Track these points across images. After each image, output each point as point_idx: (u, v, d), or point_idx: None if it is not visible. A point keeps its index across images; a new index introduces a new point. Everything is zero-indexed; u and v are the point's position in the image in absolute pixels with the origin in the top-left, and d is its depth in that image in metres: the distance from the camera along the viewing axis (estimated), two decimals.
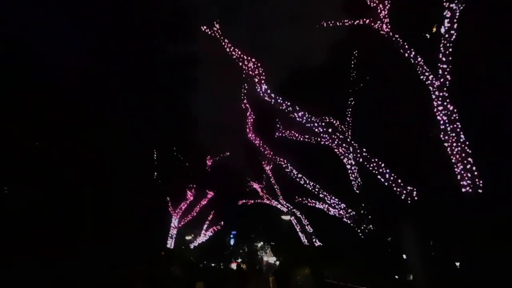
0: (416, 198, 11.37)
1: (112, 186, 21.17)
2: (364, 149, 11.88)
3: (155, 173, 26.56)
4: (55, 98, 17.20)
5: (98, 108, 18.83)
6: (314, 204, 21.91)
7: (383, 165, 11.72)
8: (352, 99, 16.66)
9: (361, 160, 11.86)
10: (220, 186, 34.44)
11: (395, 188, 11.58)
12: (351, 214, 18.17)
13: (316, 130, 12.39)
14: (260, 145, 19.27)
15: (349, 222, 19.15)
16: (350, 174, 19.01)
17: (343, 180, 19.66)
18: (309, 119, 12.39)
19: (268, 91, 12.83)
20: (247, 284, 19.42)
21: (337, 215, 19.86)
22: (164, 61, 19.13)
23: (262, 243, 70.90)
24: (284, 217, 28.17)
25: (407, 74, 13.43)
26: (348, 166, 19.23)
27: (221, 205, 35.48)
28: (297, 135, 21.34)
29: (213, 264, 47.53)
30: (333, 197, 18.91)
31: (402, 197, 11.53)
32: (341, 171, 19.74)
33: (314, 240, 30.41)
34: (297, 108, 12.57)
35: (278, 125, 21.85)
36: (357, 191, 18.38)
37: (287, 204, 31.36)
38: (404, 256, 16.89)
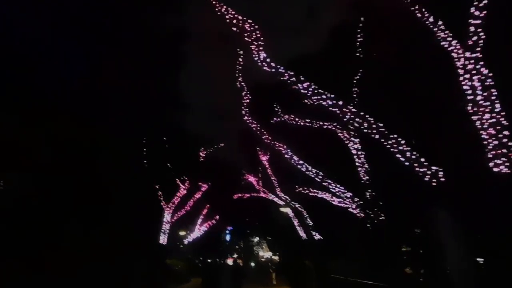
0: (442, 179, 9.71)
1: (98, 181, 19.36)
2: (381, 124, 10.20)
3: (145, 163, 24.69)
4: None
5: (77, 90, 16.95)
6: (316, 194, 20.25)
7: (403, 142, 10.05)
8: (359, 73, 14.89)
9: (377, 136, 10.18)
10: (214, 179, 32.70)
11: (417, 169, 9.92)
12: (359, 203, 16.53)
13: (324, 103, 10.67)
14: (257, 129, 17.52)
15: (355, 212, 17.53)
16: (356, 160, 17.35)
17: (348, 167, 18.02)
18: (315, 90, 10.67)
19: (268, 59, 11.08)
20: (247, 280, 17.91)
21: (341, 205, 18.22)
22: (148, 35, 17.22)
23: (258, 238, 69.86)
24: (282, 209, 26.54)
25: (421, 41, 11.77)
26: (354, 151, 17.57)
27: (216, 198, 33.72)
28: (297, 119, 19.65)
29: (209, 260, 46.02)
30: (338, 185, 17.24)
31: (426, 179, 9.86)
32: (345, 157, 18.10)
33: (314, 234, 28.89)
34: (302, 79, 10.83)
35: (276, 109, 20.13)
36: (365, 178, 16.73)
37: (285, 197, 29.77)
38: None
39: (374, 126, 10.25)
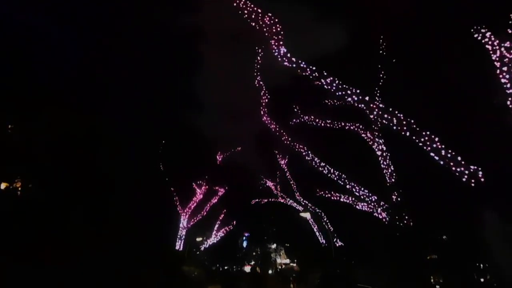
0: (482, 180, 8.84)
1: (115, 186, 19.08)
2: (412, 121, 9.42)
3: (161, 167, 24.32)
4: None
5: (93, 94, 16.74)
6: (338, 198, 19.39)
7: (437, 139, 9.23)
8: (382, 72, 14.06)
9: (408, 134, 9.39)
10: (231, 183, 32.08)
11: (453, 168, 9.07)
12: (385, 207, 15.62)
13: (349, 99, 9.96)
14: (276, 130, 16.87)
15: (380, 217, 16.60)
16: (381, 161, 16.48)
17: (372, 169, 17.15)
18: (339, 86, 9.98)
19: (288, 54, 10.47)
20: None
21: (365, 209, 17.32)
22: (164, 35, 16.89)
23: (275, 244, 68.72)
24: (302, 214, 25.66)
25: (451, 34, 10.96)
26: (379, 153, 16.71)
27: (233, 202, 33.08)
28: (317, 120, 18.93)
29: (226, 267, 45.29)
30: (362, 189, 16.38)
31: (464, 179, 9.00)
32: (370, 159, 17.25)
33: (335, 240, 27.86)
34: (325, 73, 10.17)
35: (295, 110, 19.47)
36: (391, 180, 15.82)
37: (304, 201, 28.92)
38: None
39: (404, 122, 9.48)
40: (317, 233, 30.44)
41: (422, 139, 9.30)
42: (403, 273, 17.15)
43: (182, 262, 29.00)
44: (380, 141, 16.68)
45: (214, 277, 32.32)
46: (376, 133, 16.93)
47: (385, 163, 16.42)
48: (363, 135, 17.48)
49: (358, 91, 9.93)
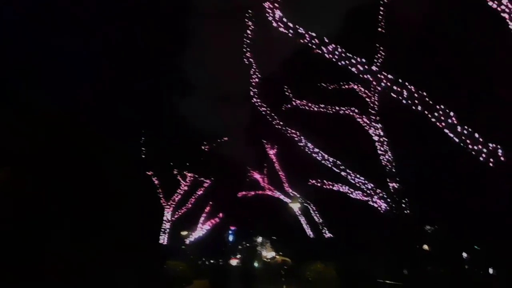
0: (502, 158, 7.86)
1: (89, 177, 17.54)
2: (424, 93, 8.36)
3: (143, 156, 22.83)
4: None
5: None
6: (331, 187, 18.39)
7: (452, 114, 8.21)
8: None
9: (419, 108, 8.34)
10: (217, 175, 30.80)
11: (470, 146, 8.07)
12: (382, 194, 14.68)
13: (354, 69, 8.83)
14: (266, 113, 15.68)
15: (376, 205, 15.67)
16: (379, 147, 15.52)
17: (369, 156, 16.21)
18: (342, 54, 8.83)
19: (284, 19, 9.25)
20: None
21: (361, 198, 16.37)
22: (147, 10, 15.28)
23: (261, 238, 68.40)
24: (291, 205, 24.67)
25: None
26: (376, 138, 15.75)
27: (219, 195, 31.85)
28: (310, 104, 17.84)
29: (212, 261, 44.25)
30: (358, 176, 15.40)
31: (481, 159, 8.01)
32: (366, 145, 16.30)
33: (323, 231, 27.02)
34: (326, 40, 8.99)
35: (287, 93, 18.31)
36: (389, 167, 14.89)
37: (293, 193, 27.94)
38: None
39: (416, 95, 8.41)
40: (305, 225, 29.57)
41: (436, 114, 8.26)
42: (400, 262, 16.44)
43: (167, 256, 27.70)
44: (378, 125, 15.72)
45: (201, 271, 31.19)
46: (373, 118, 15.96)
47: (382, 149, 15.48)
48: (358, 119, 16.49)
49: (363, 60, 8.80)
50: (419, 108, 8.44)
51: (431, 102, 8.33)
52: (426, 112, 8.38)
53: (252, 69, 13.79)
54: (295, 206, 25.56)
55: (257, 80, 14.14)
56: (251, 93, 14.58)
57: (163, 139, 23.81)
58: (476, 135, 8.14)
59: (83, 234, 15.65)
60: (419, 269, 16.13)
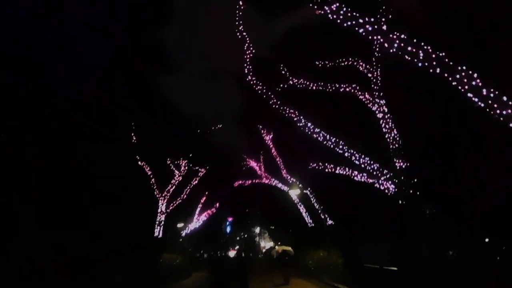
0: None
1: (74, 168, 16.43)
2: (442, 54, 7.35)
3: (134, 145, 21.69)
4: None
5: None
6: (333, 170, 17.43)
7: (475, 75, 7.22)
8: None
9: (438, 70, 7.33)
10: (212, 163, 29.76)
11: (498, 111, 7.10)
12: (389, 175, 13.75)
13: (362, 30, 7.77)
14: (262, 91, 14.61)
15: (383, 188, 14.74)
16: (383, 124, 14.54)
17: (373, 135, 15.27)
18: (348, 14, 7.75)
19: None
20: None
21: (365, 180, 15.44)
22: None
23: (259, 228, 68.02)
24: (291, 191, 23.73)
25: None
26: (380, 115, 14.76)
27: (215, 184, 30.86)
28: (308, 83, 16.76)
29: (211, 253, 43.55)
30: (363, 156, 14.44)
31: (511, 125, 7.04)
32: (369, 123, 15.34)
33: (325, 217, 26.21)
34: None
35: (283, 72, 17.20)
36: (395, 145, 13.94)
37: (291, 179, 27.00)
38: None
39: (434, 56, 7.38)
40: (304, 213, 28.73)
41: (458, 76, 7.26)
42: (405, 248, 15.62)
43: (163, 249, 26.75)
44: (381, 101, 14.72)
45: (199, 263, 30.36)
46: (376, 94, 14.95)
47: (387, 126, 14.50)
48: (360, 96, 15.47)
49: (372, 19, 7.74)
50: (438, 70, 7.42)
51: (451, 63, 7.31)
52: (446, 75, 7.36)
53: (246, 44, 12.67)
54: (295, 193, 24.60)
55: (251, 55, 13.03)
56: (246, 70, 13.46)
57: (153, 122, 22.57)
58: (504, 98, 7.16)
59: (64, 226, 14.61)
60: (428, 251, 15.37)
